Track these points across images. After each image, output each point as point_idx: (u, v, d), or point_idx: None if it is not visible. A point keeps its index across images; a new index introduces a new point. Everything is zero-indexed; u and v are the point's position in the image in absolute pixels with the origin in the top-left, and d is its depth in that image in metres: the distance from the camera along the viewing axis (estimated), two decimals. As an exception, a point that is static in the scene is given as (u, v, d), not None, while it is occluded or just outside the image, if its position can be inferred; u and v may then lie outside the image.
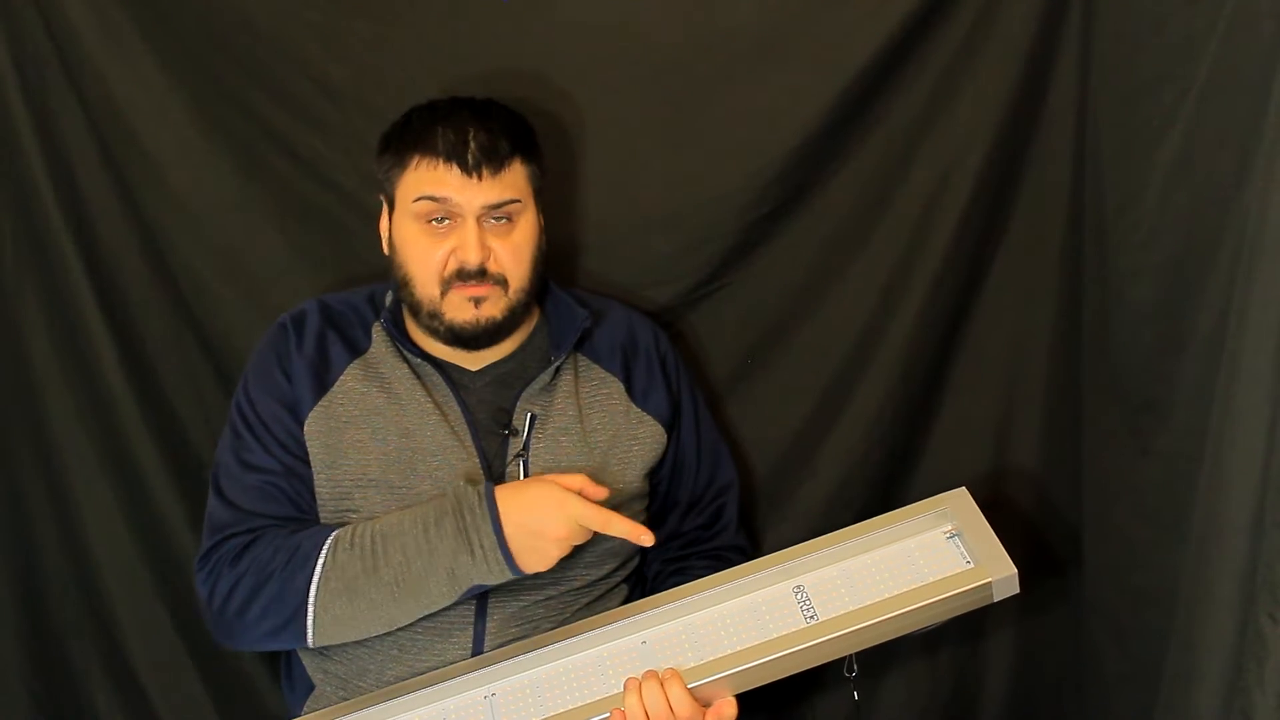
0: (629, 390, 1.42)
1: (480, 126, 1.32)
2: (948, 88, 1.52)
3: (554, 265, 1.47)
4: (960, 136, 1.53)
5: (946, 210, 1.54)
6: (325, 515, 1.33)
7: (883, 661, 1.69)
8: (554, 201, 1.46)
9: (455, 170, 1.29)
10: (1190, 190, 1.23)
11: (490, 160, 1.30)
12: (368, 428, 1.33)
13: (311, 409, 1.34)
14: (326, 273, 1.59)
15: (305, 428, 1.34)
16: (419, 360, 1.36)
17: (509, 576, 1.23)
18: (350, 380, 1.35)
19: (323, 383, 1.35)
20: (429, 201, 1.30)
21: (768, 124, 1.52)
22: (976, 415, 1.63)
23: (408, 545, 1.23)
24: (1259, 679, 1.00)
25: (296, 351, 1.36)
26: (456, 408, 1.35)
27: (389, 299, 1.40)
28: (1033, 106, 1.53)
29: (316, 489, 1.33)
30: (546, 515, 1.21)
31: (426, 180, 1.31)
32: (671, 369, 1.47)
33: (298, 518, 1.33)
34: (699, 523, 1.49)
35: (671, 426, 1.44)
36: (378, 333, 1.39)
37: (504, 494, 1.23)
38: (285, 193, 1.58)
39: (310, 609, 1.25)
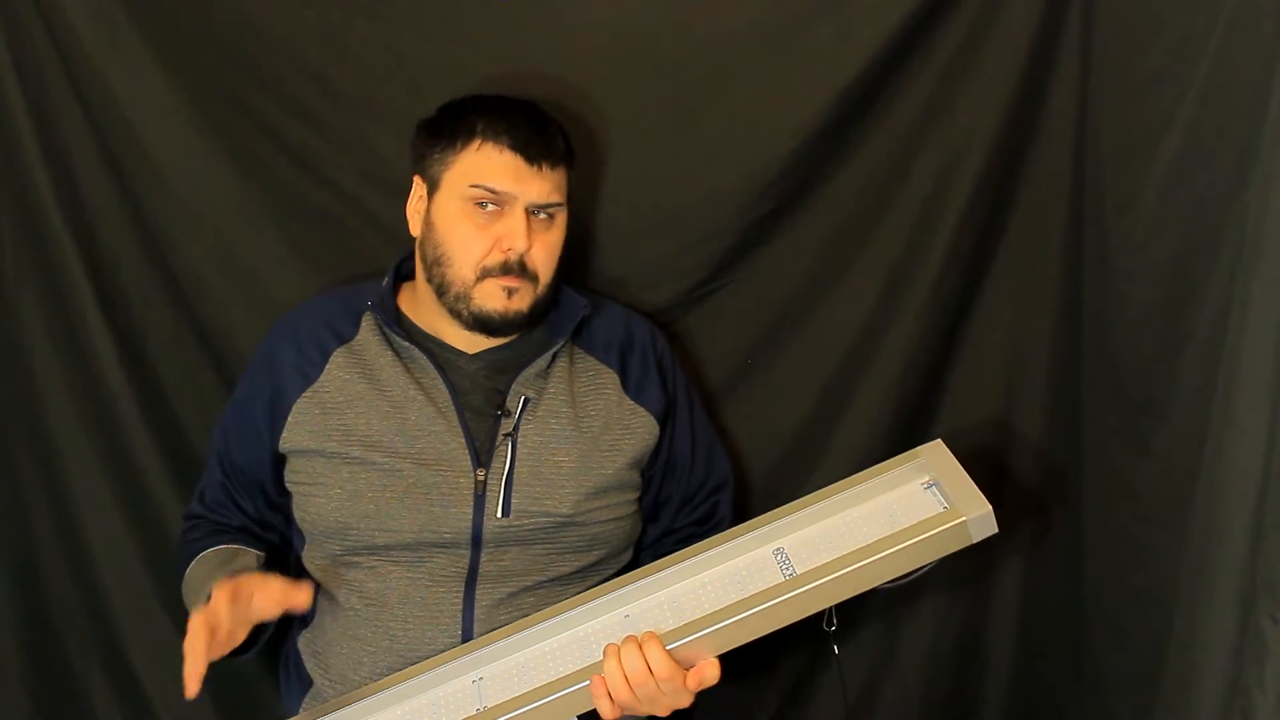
0: (623, 382, 1.43)
1: (538, 123, 1.36)
2: (948, 88, 1.52)
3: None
4: (960, 136, 1.53)
5: (946, 210, 1.54)
6: (316, 490, 1.35)
7: (883, 661, 1.69)
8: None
9: (520, 159, 1.33)
10: (1190, 190, 1.23)
11: (549, 155, 1.35)
12: (351, 413, 1.35)
13: (296, 400, 1.37)
14: (326, 273, 1.59)
15: (287, 425, 1.37)
16: (405, 344, 1.37)
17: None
18: (335, 368, 1.38)
19: (308, 375, 1.38)
20: (483, 191, 1.33)
21: (768, 124, 1.52)
22: (976, 415, 1.63)
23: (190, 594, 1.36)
24: (1259, 679, 1.00)
25: (283, 351, 1.39)
26: (444, 389, 1.36)
27: (385, 281, 1.42)
28: (1033, 106, 1.53)
29: (309, 465, 1.36)
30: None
31: (487, 166, 1.34)
32: (668, 367, 1.48)
33: (227, 517, 1.45)
34: (693, 519, 1.50)
35: (665, 422, 1.45)
36: (366, 320, 1.41)
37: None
38: (285, 193, 1.58)
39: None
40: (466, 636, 1.31)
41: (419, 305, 1.42)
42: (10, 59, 1.53)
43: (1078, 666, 1.53)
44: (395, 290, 1.44)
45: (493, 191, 1.33)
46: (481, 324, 1.36)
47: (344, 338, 1.40)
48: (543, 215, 1.36)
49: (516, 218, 1.33)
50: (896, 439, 1.61)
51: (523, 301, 1.36)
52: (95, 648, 1.66)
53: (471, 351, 1.40)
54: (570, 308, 1.43)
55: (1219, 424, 1.08)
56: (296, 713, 1.37)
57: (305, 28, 1.53)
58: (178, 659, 1.64)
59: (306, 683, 1.39)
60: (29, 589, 1.64)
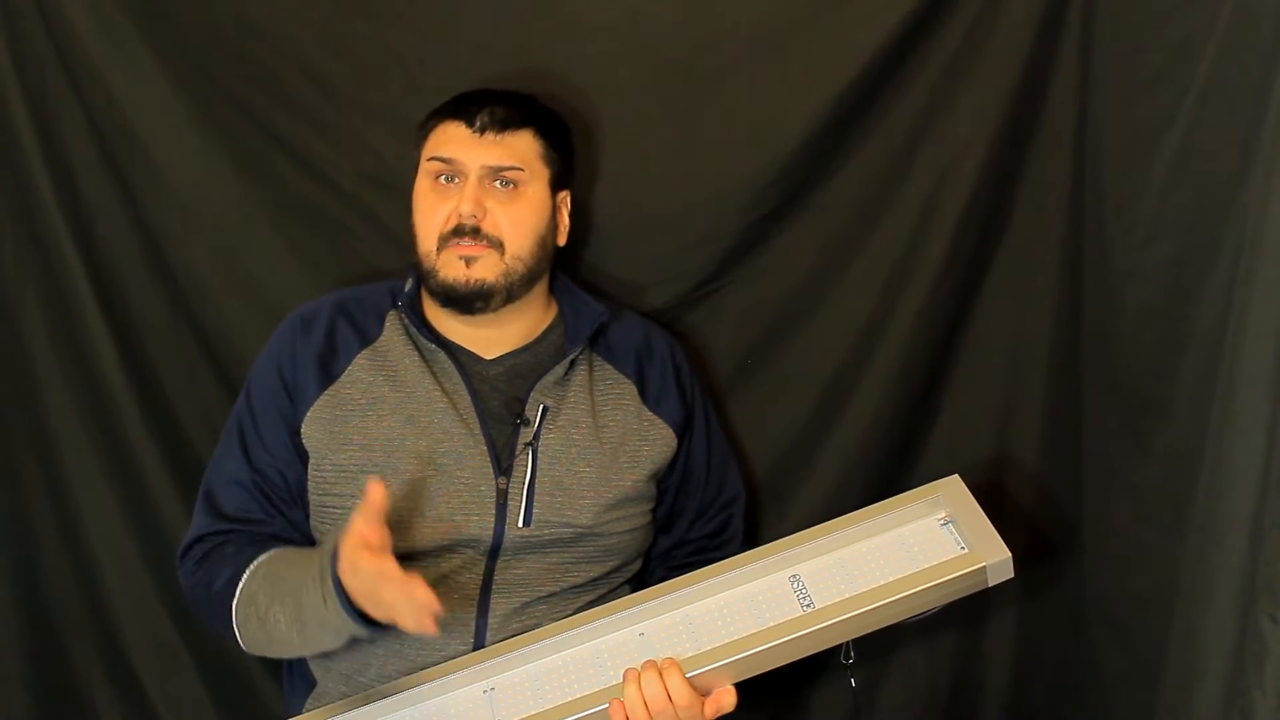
0: (642, 393, 1.43)
1: (500, 100, 1.38)
2: (947, 88, 1.52)
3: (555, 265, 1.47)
4: (960, 136, 1.53)
5: (946, 210, 1.54)
6: (330, 501, 1.33)
7: (883, 662, 1.69)
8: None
9: (462, 128, 1.36)
10: (1190, 190, 1.23)
11: (496, 124, 1.36)
12: (373, 415, 1.33)
13: (316, 399, 1.35)
14: (326, 273, 1.58)
15: (306, 419, 1.34)
16: (432, 347, 1.37)
17: (353, 622, 1.17)
18: (357, 370, 1.36)
19: (330, 373, 1.36)
20: (437, 161, 1.36)
21: (768, 124, 1.52)
22: (976, 415, 1.63)
23: (291, 592, 1.23)
24: (1259, 679, 1.00)
25: (302, 345, 1.37)
26: (467, 396, 1.35)
27: (409, 284, 1.41)
28: (1033, 106, 1.53)
29: (320, 475, 1.34)
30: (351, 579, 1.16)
31: (438, 139, 1.37)
32: (686, 378, 1.48)
33: (266, 520, 1.36)
34: (706, 531, 1.50)
35: (683, 433, 1.44)
36: (391, 320, 1.40)
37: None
38: (285, 193, 1.58)
39: (236, 628, 1.31)
40: (479, 644, 1.30)
41: (433, 308, 1.41)
42: (10, 59, 1.54)
43: (1078, 666, 1.53)
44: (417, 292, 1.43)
45: (444, 160, 1.35)
46: (449, 297, 1.35)
47: (368, 337, 1.39)
48: (506, 186, 1.35)
49: (468, 184, 1.34)
50: (896, 439, 1.61)
51: (486, 271, 1.34)
52: (95, 647, 1.66)
53: (489, 356, 1.39)
54: (587, 314, 1.42)
55: (1219, 424, 1.08)
56: (299, 713, 1.37)
57: (305, 28, 1.53)
58: (178, 658, 1.67)
59: (310, 683, 1.38)
60: (30, 589, 1.64)
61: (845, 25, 1.49)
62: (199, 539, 1.37)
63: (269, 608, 1.25)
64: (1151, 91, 1.29)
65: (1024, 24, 1.49)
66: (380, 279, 1.48)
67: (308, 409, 1.35)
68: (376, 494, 1.13)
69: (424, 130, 1.39)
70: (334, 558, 1.17)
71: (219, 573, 1.32)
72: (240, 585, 1.29)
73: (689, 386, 1.48)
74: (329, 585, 1.17)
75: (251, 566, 1.30)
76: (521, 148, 1.36)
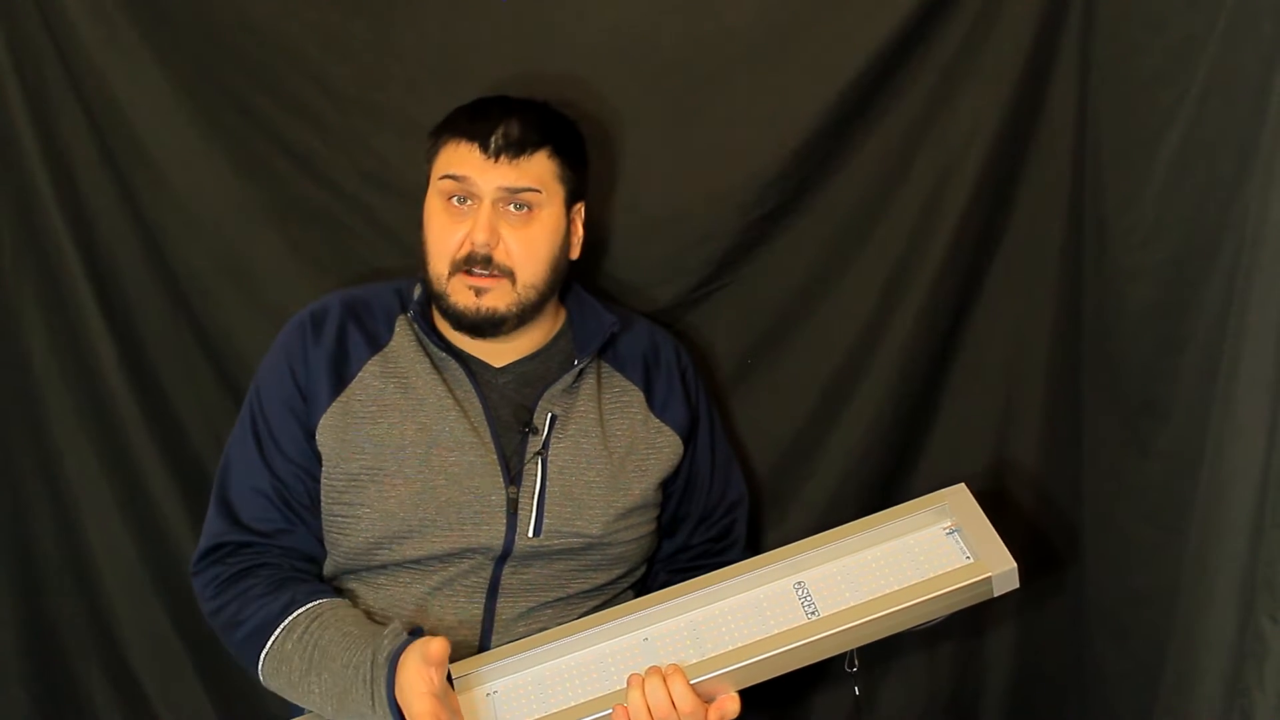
0: (649, 400, 1.42)
1: (515, 117, 1.34)
2: (947, 88, 1.52)
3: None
4: (960, 136, 1.53)
5: (946, 210, 1.54)
6: (340, 510, 1.33)
7: (883, 662, 1.69)
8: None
9: (476, 151, 1.32)
10: (1190, 190, 1.23)
11: (511, 147, 1.32)
12: (384, 422, 1.33)
13: (328, 406, 1.34)
14: (326, 273, 1.58)
15: (320, 425, 1.33)
16: (442, 354, 1.36)
17: None
18: (368, 376, 1.35)
19: (341, 378, 1.35)
20: (450, 180, 1.33)
21: (768, 124, 1.52)
22: (976, 415, 1.63)
23: (334, 674, 1.22)
24: (1259, 679, 1.00)
25: (313, 348, 1.36)
26: (477, 403, 1.35)
27: (417, 291, 1.40)
28: (1033, 106, 1.53)
29: (331, 484, 1.33)
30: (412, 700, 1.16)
31: (451, 159, 1.34)
32: (691, 384, 1.48)
33: (288, 530, 1.35)
34: (709, 536, 1.49)
35: (688, 439, 1.44)
36: (401, 325, 1.39)
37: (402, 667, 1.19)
38: (285, 193, 1.58)
39: (260, 673, 1.29)
40: (483, 648, 1.31)
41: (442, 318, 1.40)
42: (10, 59, 1.53)
43: (1078, 666, 1.53)
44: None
45: (455, 179, 1.32)
46: (459, 322, 1.34)
47: (378, 342, 1.37)
48: (518, 208, 1.33)
49: (482, 210, 1.32)
50: (896, 439, 1.61)
51: (497, 300, 1.32)
52: (95, 648, 1.66)
53: (498, 365, 1.39)
54: (597, 324, 1.41)
55: (1219, 424, 1.08)
56: (299, 713, 1.37)
57: (305, 28, 1.53)
58: (177, 659, 1.67)
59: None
60: (29, 589, 1.63)
61: (845, 25, 1.49)
62: (217, 545, 1.34)
63: (305, 675, 1.24)
64: (1151, 91, 1.29)
65: (1024, 24, 1.49)
66: (381, 279, 1.48)
67: (321, 413, 1.34)
68: (438, 648, 1.14)
69: (436, 143, 1.37)
70: (390, 668, 1.17)
71: (246, 614, 1.29)
72: (273, 638, 1.27)
73: (694, 391, 1.47)
74: (381, 695, 1.17)
75: (287, 621, 1.27)
76: (537, 170, 1.33)
